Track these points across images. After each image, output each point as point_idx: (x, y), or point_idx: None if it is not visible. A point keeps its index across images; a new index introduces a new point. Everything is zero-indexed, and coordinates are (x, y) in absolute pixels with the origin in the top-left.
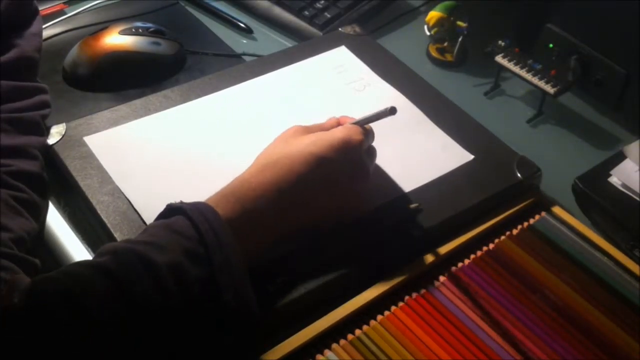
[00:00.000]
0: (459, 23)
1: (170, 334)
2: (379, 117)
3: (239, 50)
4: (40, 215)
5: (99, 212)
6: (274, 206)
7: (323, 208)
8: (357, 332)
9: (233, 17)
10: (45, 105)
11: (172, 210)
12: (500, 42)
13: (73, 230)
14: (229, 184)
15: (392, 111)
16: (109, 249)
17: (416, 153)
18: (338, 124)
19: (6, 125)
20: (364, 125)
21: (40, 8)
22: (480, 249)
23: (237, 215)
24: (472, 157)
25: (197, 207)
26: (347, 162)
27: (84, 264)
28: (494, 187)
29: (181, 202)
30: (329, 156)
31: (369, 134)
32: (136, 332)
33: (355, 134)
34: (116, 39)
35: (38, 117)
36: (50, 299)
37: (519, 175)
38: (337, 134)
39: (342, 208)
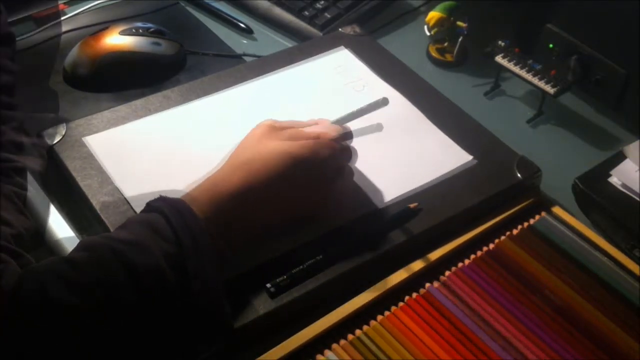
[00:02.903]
0: (459, 23)
1: (146, 332)
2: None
3: (239, 50)
4: (38, 215)
5: (99, 212)
6: (245, 206)
7: (297, 206)
8: (357, 332)
9: (233, 18)
10: (55, 109)
11: (152, 209)
12: (500, 42)
13: (73, 230)
14: (201, 184)
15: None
16: (86, 244)
17: (416, 154)
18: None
19: (16, 123)
20: (343, 124)
21: (40, 9)
22: (480, 249)
23: (209, 216)
24: (471, 157)
25: (177, 208)
26: (319, 160)
27: (57, 260)
28: (494, 187)
29: (161, 199)
30: (301, 154)
31: (345, 134)
32: (110, 328)
33: (329, 132)
34: (116, 39)
35: (48, 119)
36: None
37: (519, 175)
38: (310, 132)
39: (317, 206)
